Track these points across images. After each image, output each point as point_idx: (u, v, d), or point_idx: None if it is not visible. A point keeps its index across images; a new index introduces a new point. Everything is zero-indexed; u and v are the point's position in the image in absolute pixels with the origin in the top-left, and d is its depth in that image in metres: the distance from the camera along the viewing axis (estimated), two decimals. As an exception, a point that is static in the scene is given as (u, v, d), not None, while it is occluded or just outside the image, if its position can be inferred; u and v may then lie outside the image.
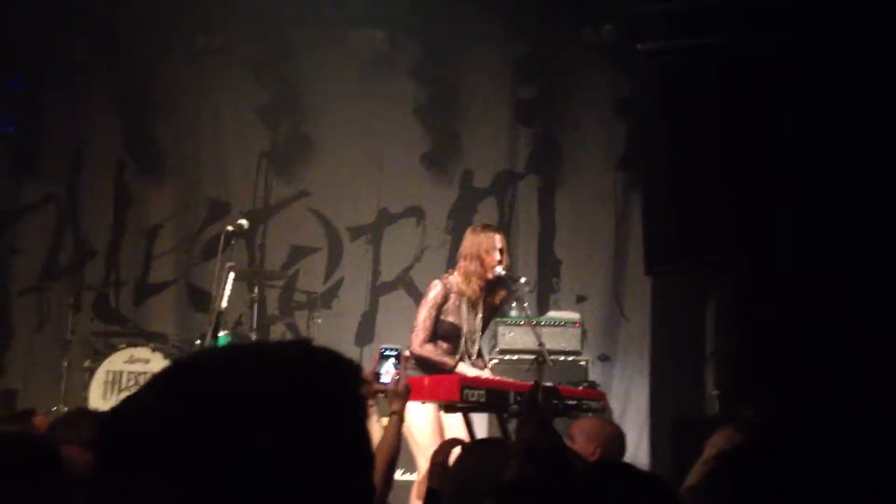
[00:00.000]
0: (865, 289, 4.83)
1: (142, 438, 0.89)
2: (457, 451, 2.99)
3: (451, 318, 4.99)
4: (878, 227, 4.78)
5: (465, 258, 4.98)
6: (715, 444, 3.01)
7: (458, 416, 4.78)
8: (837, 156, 4.81)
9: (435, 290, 4.97)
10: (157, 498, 0.87)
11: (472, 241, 4.98)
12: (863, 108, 4.78)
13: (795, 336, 5.02)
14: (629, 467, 2.03)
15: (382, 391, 3.46)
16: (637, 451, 6.99)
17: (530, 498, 2.07)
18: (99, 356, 6.76)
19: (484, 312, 5.05)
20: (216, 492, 0.85)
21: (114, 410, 0.95)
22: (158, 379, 0.93)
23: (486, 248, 4.91)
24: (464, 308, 4.99)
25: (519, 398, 4.69)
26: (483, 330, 5.11)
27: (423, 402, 4.70)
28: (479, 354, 5.19)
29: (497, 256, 4.91)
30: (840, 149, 4.81)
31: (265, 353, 0.95)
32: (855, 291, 4.84)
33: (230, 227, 5.31)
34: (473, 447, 2.63)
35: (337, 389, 0.92)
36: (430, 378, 4.82)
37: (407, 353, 5.01)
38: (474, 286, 4.94)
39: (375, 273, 7.84)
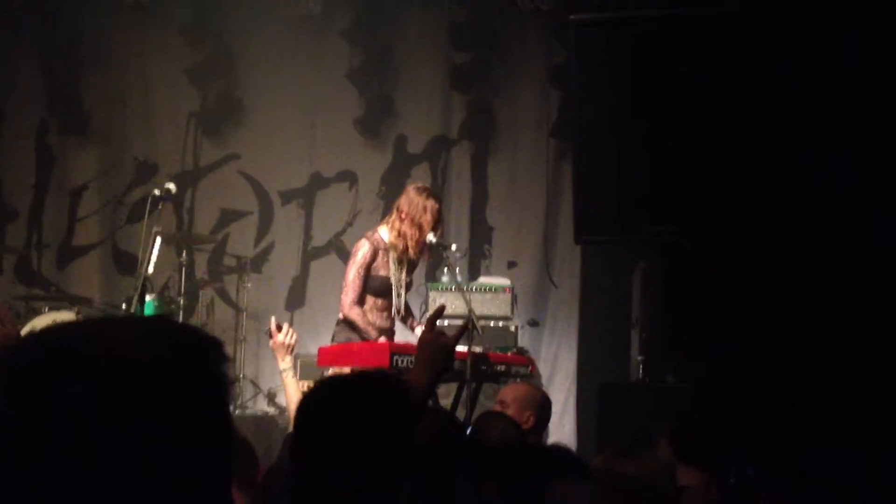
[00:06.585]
0: (793, 264, 4.93)
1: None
2: None
3: (382, 273, 5.00)
4: (811, 203, 4.87)
5: (401, 218, 4.94)
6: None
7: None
8: (774, 132, 4.87)
9: (363, 249, 4.97)
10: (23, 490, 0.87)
11: (415, 204, 4.92)
12: (804, 85, 4.83)
13: (721, 307, 5.13)
14: None
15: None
16: (563, 415, 7.11)
17: None
18: (20, 320, 6.60)
19: (408, 268, 5.07)
20: (78, 477, 0.86)
21: None
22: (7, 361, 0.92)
23: (428, 218, 4.90)
24: (392, 264, 5.01)
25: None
26: (408, 287, 5.14)
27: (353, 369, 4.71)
28: (409, 312, 5.22)
29: (436, 228, 4.92)
30: (776, 125, 4.87)
31: (124, 328, 0.96)
32: (783, 267, 4.94)
33: (157, 191, 5.20)
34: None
35: (195, 365, 0.94)
36: (358, 344, 4.84)
37: (341, 315, 5.02)
38: (406, 247, 4.95)
39: (307, 237, 7.78)
